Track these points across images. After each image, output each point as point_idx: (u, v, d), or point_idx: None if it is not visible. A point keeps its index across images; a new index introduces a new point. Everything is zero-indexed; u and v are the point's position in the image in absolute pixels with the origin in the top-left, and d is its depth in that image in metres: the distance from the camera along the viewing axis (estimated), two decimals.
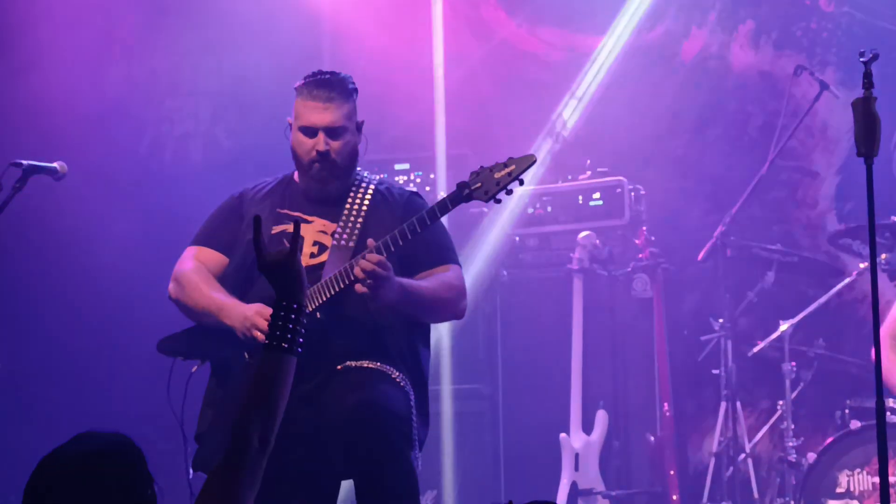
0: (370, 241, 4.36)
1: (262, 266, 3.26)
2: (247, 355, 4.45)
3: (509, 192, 4.33)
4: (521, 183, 4.33)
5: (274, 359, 3.17)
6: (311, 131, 4.58)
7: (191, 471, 4.50)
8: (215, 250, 4.71)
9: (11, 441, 7.43)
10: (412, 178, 7.56)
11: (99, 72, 8.16)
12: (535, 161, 4.33)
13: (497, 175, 4.30)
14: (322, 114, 4.57)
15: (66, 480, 2.69)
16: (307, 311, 4.26)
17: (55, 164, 5.07)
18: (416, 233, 4.34)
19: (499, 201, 4.35)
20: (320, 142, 4.56)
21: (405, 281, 4.42)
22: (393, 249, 4.33)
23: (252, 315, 4.40)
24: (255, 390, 3.12)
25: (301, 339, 3.20)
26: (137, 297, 7.32)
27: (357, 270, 4.27)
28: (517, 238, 7.67)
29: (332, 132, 4.57)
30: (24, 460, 7.35)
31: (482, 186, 4.30)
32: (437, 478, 6.97)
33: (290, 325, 3.17)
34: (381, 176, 4.92)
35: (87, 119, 7.93)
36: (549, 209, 7.59)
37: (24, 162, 4.97)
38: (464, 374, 7.31)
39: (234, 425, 3.05)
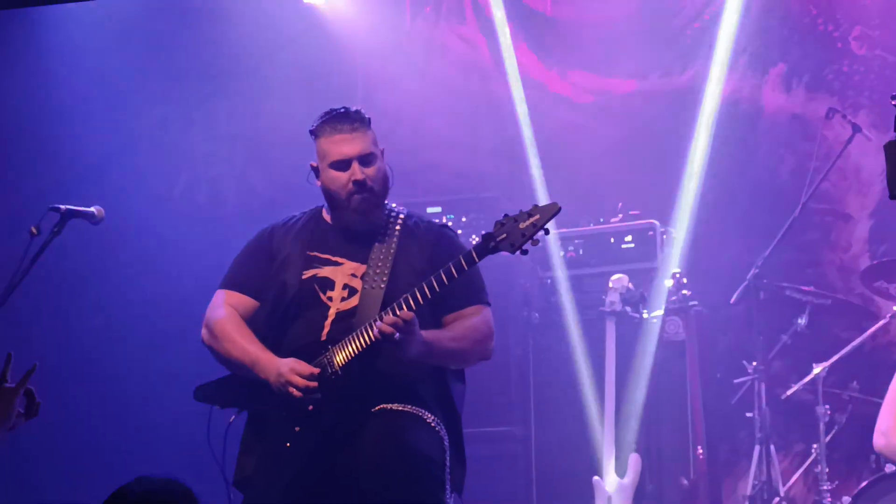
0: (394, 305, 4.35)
1: None
2: (297, 429, 4.45)
3: (535, 243, 4.30)
4: (547, 233, 4.30)
5: None
6: (344, 164, 4.56)
7: None
8: (246, 295, 4.70)
9: (48, 486, 7.48)
10: (444, 221, 7.57)
11: (133, 116, 8.24)
12: (559, 210, 4.28)
13: (522, 225, 4.26)
14: (352, 144, 4.56)
15: None
16: (340, 365, 4.35)
17: (93, 209, 5.10)
18: (444, 284, 4.33)
19: (525, 252, 4.30)
20: (356, 171, 4.54)
21: (430, 335, 4.42)
22: (422, 302, 4.32)
23: (286, 372, 4.40)
24: None
25: None
26: (173, 341, 7.36)
27: (382, 327, 4.27)
28: (549, 280, 7.67)
29: (364, 160, 4.56)
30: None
31: (507, 238, 4.27)
32: None
33: None
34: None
35: (122, 163, 8.00)
36: (580, 252, 7.58)
37: (63, 206, 5.00)
38: (496, 416, 7.30)
39: None
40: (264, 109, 8.28)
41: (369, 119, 4.64)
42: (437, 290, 4.32)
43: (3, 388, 3.88)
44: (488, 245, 4.30)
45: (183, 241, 7.90)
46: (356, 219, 4.62)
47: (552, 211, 4.27)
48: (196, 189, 8.56)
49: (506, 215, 4.33)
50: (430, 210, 7.73)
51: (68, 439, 7.51)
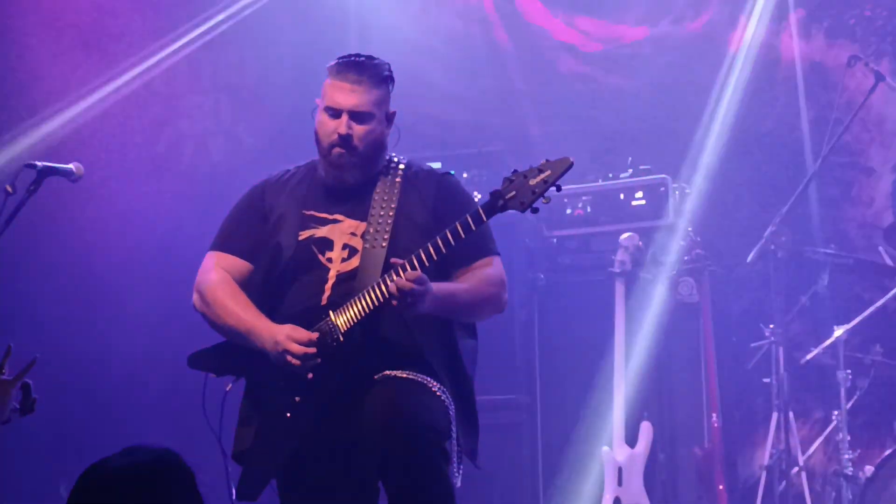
0: (394, 260, 4.29)
1: None
2: (297, 399, 4.42)
3: (546, 200, 4.22)
4: (559, 189, 4.23)
5: None
6: (335, 112, 4.51)
7: (234, 490, 4.48)
8: (238, 257, 4.65)
9: (31, 456, 7.49)
10: None
11: (114, 68, 8.20)
12: (571, 165, 4.18)
13: (532, 182, 4.19)
14: (348, 95, 4.50)
15: (113, 493, 2.70)
16: (343, 330, 4.32)
17: (71, 166, 5.00)
18: (450, 245, 4.27)
19: (536, 210, 4.23)
20: (342, 124, 4.49)
21: (442, 288, 4.38)
22: (427, 264, 4.27)
23: (283, 340, 4.37)
24: None
25: None
26: (156, 306, 7.35)
27: (392, 287, 4.22)
28: (555, 240, 7.65)
29: (356, 116, 4.50)
30: (47, 476, 7.44)
31: (517, 196, 4.20)
32: (472, 493, 6.93)
33: None
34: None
35: (103, 118, 7.97)
36: (588, 209, 7.58)
37: (39, 163, 4.89)
38: (500, 383, 7.24)
39: None
40: (253, 60, 8.25)
41: (388, 77, 4.58)
42: (444, 251, 4.27)
43: None
44: (496, 203, 4.23)
45: (168, 200, 7.88)
46: (331, 172, 4.57)
47: (564, 166, 4.19)
48: (181, 145, 8.53)
49: (515, 171, 4.25)
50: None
51: (54, 409, 7.49)
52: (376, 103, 4.52)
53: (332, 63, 4.59)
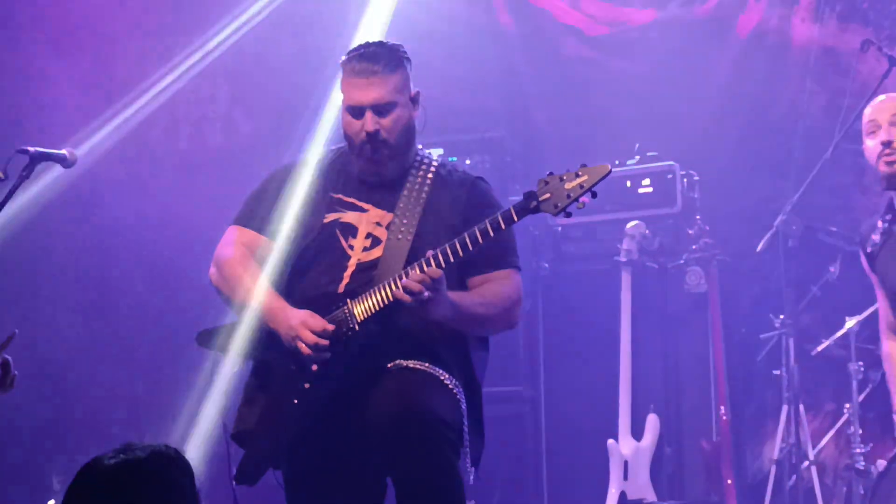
0: (428, 255, 4.29)
1: None
2: (307, 385, 4.43)
3: (581, 206, 4.26)
4: (594, 196, 4.25)
5: None
6: (357, 111, 4.49)
7: (234, 469, 4.48)
8: (259, 234, 4.65)
9: (22, 450, 7.50)
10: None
11: (109, 53, 8.18)
12: (609, 172, 4.23)
13: (568, 186, 4.22)
14: (366, 91, 4.47)
15: (110, 490, 2.70)
16: (359, 320, 4.34)
17: (64, 151, 5.00)
18: (477, 244, 4.27)
19: (569, 215, 4.27)
20: (368, 121, 4.47)
21: (457, 297, 4.37)
22: (452, 260, 4.28)
23: (297, 325, 4.37)
24: None
25: None
26: (154, 293, 7.35)
27: (399, 292, 4.23)
28: (559, 228, 7.61)
29: (379, 109, 4.48)
30: (39, 470, 7.46)
31: (551, 198, 4.22)
32: (474, 488, 6.94)
33: None
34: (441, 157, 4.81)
35: (97, 103, 7.95)
36: (594, 196, 7.53)
37: (32, 149, 4.87)
38: (503, 375, 7.15)
39: None
40: (249, 44, 8.22)
41: (402, 57, 4.56)
42: (470, 249, 4.27)
43: None
44: (529, 205, 4.26)
45: (163, 187, 7.86)
46: (367, 169, 4.57)
47: (602, 173, 4.23)
48: (177, 132, 8.51)
49: (550, 173, 4.27)
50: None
51: (54, 387, 7.52)
52: (396, 90, 4.51)
53: (344, 58, 4.57)
